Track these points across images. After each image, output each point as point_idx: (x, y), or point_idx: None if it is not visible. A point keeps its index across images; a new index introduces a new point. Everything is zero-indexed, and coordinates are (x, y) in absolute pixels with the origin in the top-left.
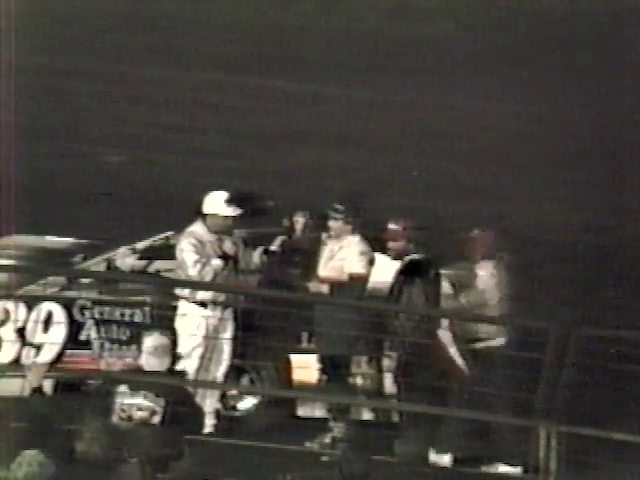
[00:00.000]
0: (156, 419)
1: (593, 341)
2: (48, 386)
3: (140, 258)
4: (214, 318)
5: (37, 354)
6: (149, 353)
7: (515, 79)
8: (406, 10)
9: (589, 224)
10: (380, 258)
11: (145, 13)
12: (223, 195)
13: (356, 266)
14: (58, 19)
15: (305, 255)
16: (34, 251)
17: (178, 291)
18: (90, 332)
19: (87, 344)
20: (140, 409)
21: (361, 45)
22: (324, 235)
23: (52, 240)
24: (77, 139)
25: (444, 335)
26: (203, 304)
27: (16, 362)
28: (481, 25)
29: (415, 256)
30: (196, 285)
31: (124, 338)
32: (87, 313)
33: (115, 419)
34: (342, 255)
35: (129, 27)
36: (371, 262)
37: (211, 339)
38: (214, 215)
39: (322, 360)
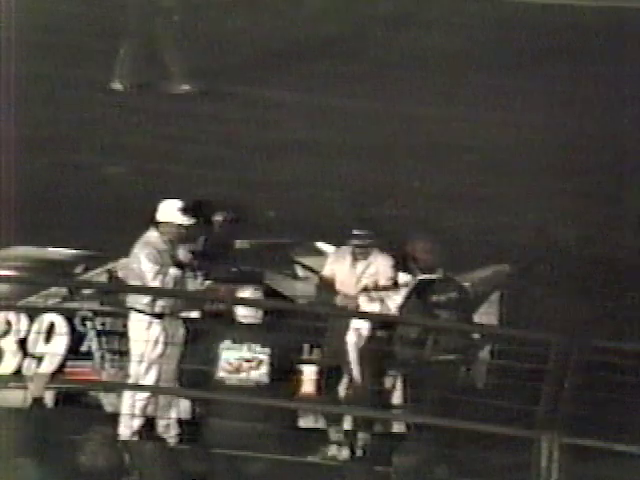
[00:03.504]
0: (263, 369)
1: (595, 352)
2: (49, 398)
3: None
4: (171, 327)
5: (38, 365)
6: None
7: (516, 90)
8: (407, 21)
9: (590, 235)
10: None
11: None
12: (177, 203)
13: (392, 278)
14: (58, 28)
15: (224, 251)
16: (35, 262)
17: (132, 303)
18: (91, 343)
19: (88, 355)
20: (247, 360)
21: (362, 55)
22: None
23: (53, 251)
24: (78, 150)
25: (350, 339)
26: (160, 315)
27: (18, 373)
28: (483, 36)
29: (427, 276)
30: (195, 295)
31: (125, 349)
32: (89, 324)
33: (222, 374)
34: (372, 271)
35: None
36: None
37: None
38: (168, 223)
39: (323, 372)
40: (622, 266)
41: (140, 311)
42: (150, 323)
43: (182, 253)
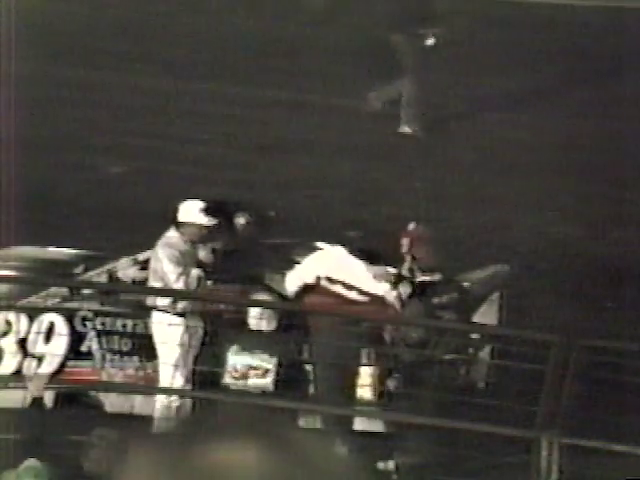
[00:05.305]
0: (269, 378)
1: (595, 352)
2: (49, 399)
3: (142, 269)
4: (193, 328)
5: (38, 365)
6: (255, 316)
7: (516, 89)
8: (406, 20)
9: (590, 235)
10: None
11: (146, 24)
12: (199, 204)
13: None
14: (58, 29)
15: (245, 253)
16: (35, 262)
17: (151, 302)
18: (91, 343)
19: (88, 355)
20: (253, 368)
21: (361, 55)
22: None
23: (53, 251)
24: (78, 150)
25: None
26: (182, 314)
27: (17, 374)
28: (481, 36)
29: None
30: (202, 296)
31: (125, 349)
32: (89, 324)
33: (227, 379)
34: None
35: (130, 38)
36: None
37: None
38: (190, 224)
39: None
40: (622, 266)
41: (162, 311)
42: (172, 323)
43: (203, 254)
